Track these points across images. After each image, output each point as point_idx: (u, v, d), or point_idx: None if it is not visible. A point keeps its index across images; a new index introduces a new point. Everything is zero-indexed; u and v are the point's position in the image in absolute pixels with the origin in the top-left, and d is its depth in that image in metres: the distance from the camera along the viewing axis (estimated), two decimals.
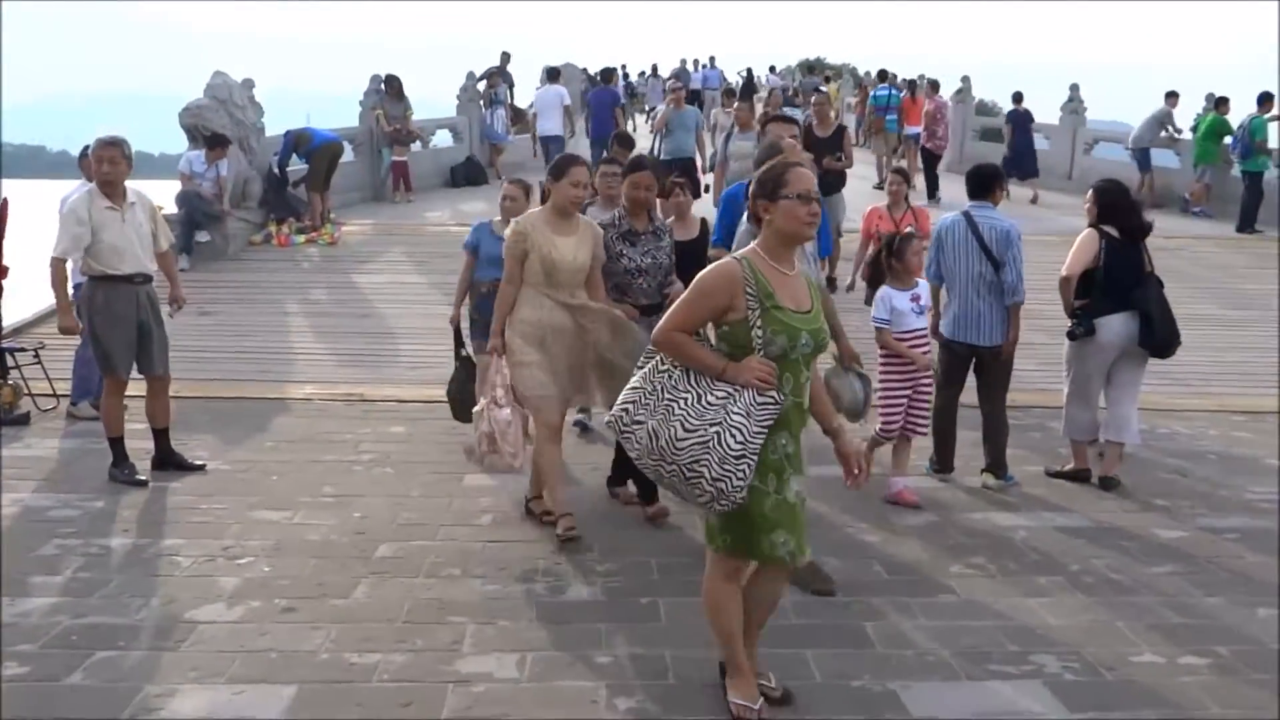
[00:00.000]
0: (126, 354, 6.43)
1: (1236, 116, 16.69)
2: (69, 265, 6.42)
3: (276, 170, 14.32)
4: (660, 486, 3.75)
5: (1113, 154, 20.04)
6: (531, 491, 5.93)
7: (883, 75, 22.94)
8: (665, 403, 3.48)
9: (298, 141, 14.26)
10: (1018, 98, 18.89)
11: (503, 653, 4.24)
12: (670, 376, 3.53)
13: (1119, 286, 6.40)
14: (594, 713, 3.80)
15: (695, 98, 23.22)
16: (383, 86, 17.18)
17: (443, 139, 19.71)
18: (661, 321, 3.59)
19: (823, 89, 23.58)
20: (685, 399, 3.45)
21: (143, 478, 6.47)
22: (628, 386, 3.64)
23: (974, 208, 6.61)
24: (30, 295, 9.96)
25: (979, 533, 5.77)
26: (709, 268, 3.62)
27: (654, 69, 34.32)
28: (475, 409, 5.72)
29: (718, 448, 3.36)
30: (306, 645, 4.28)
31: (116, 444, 6.53)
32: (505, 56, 21.34)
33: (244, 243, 13.52)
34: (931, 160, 17.98)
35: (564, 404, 5.71)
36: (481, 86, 20.24)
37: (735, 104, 15.19)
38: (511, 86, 21.56)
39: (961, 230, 6.49)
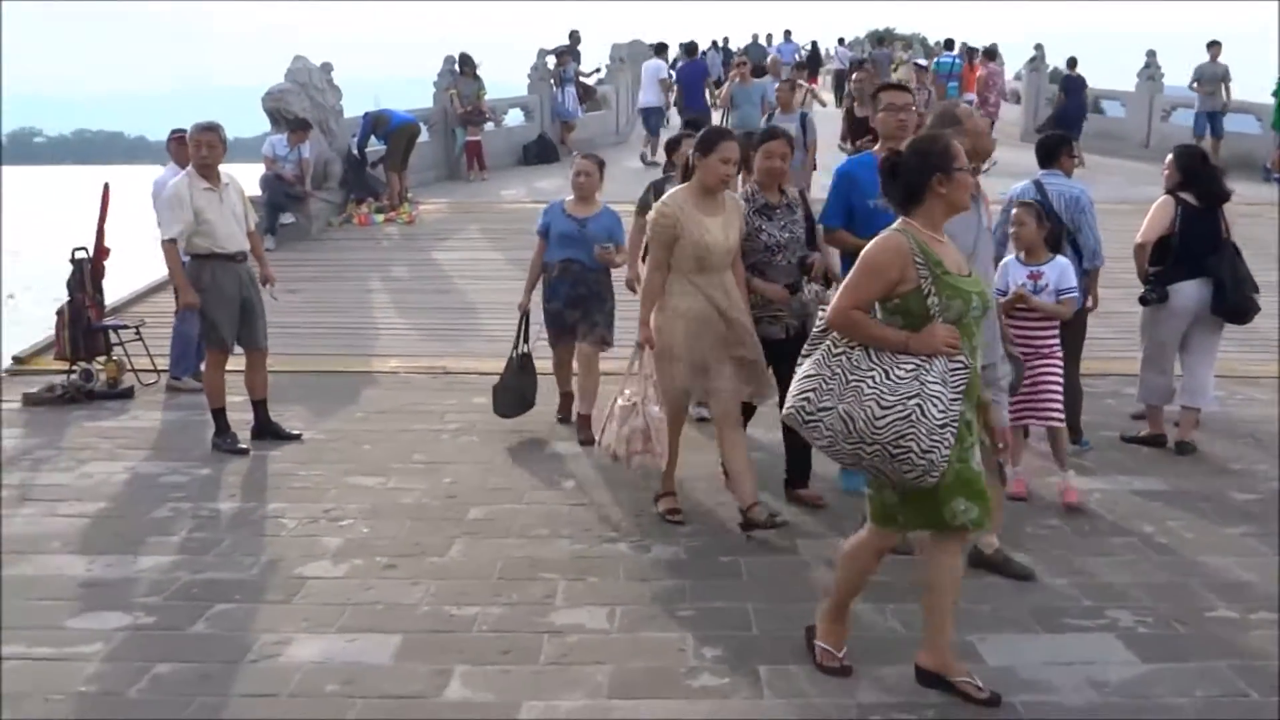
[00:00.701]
0: (232, 328, 6.77)
1: None
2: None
3: (356, 151, 14.69)
4: (856, 470, 3.73)
5: (1191, 121, 19.67)
6: (663, 488, 5.55)
7: (949, 44, 22.89)
8: (852, 384, 3.45)
9: (376, 123, 14.61)
10: (1072, 63, 19.01)
11: (593, 606, 4.47)
12: (848, 358, 3.50)
13: (1193, 253, 6.42)
14: (682, 661, 4.01)
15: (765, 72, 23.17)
16: (456, 67, 17.46)
17: (514, 118, 19.97)
18: (834, 302, 3.58)
19: (900, 57, 23.29)
20: (873, 376, 3.43)
21: (244, 446, 6.80)
22: (800, 376, 3.59)
23: (1044, 175, 6.67)
24: (130, 275, 10.41)
25: (1054, 496, 5.85)
26: (873, 243, 3.60)
27: (724, 41, 34.11)
28: (620, 403, 5.32)
29: (922, 419, 3.34)
30: (408, 599, 4.55)
31: (219, 415, 6.87)
32: (575, 35, 21.56)
33: (325, 223, 13.92)
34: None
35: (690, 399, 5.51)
36: (551, 64, 20.46)
37: (805, 77, 15.29)
38: (580, 64, 21.77)
39: (1031, 198, 6.55)
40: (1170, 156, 6.81)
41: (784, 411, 3.68)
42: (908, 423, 3.34)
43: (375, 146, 14.91)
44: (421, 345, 9.86)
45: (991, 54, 20.17)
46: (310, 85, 14.15)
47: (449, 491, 5.98)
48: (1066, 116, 18.02)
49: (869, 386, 3.42)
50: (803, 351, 3.69)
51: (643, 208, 6.71)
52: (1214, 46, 18.18)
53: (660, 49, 20.04)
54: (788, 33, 28.30)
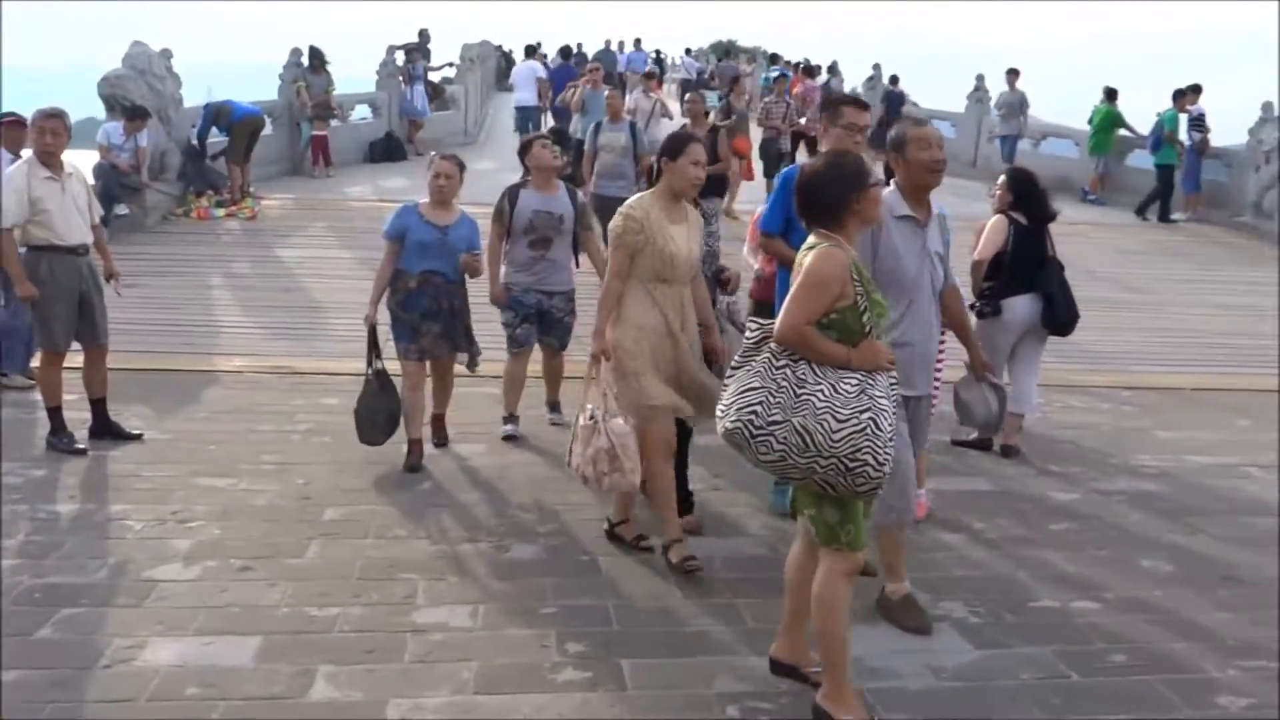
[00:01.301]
0: (68, 325, 6.50)
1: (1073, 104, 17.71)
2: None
3: (195, 142, 14.23)
4: (804, 486, 3.61)
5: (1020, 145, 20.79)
6: (617, 516, 5.27)
7: (774, 58, 24.03)
8: (802, 398, 3.43)
9: (218, 114, 14.20)
10: (894, 80, 20.28)
11: (455, 605, 4.53)
12: (794, 371, 3.48)
13: (1024, 270, 6.86)
14: (546, 657, 4.11)
15: (618, 80, 23.42)
16: (305, 60, 17.09)
17: (361, 114, 19.65)
18: (782, 317, 3.52)
19: (745, 70, 23.95)
20: (821, 391, 3.42)
21: (81, 446, 6.55)
22: (740, 390, 3.55)
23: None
24: None
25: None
26: (819, 257, 3.54)
27: (578, 47, 34.23)
28: (581, 421, 4.92)
29: (878, 432, 3.36)
30: (266, 600, 4.52)
31: (55, 413, 6.60)
32: (424, 34, 21.39)
33: (161, 216, 13.43)
34: (797, 140, 18.30)
35: (674, 416, 5.05)
36: (400, 60, 20.21)
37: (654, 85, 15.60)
38: (429, 62, 21.60)
39: None
40: (1003, 178, 7.25)
41: (727, 425, 3.57)
42: (863, 436, 3.36)
43: (217, 138, 14.47)
44: (266, 344, 9.64)
45: (810, 71, 21.46)
46: (149, 72, 13.64)
47: (303, 493, 5.91)
48: (886, 132, 18.87)
49: (819, 400, 3.41)
50: (733, 364, 3.67)
51: (499, 214, 6.76)
52: (1012, 74, 19.58)
53: (531, 50, 21.09)
54: (638, 41, 28.50)
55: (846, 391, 3.41)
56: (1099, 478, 6.70)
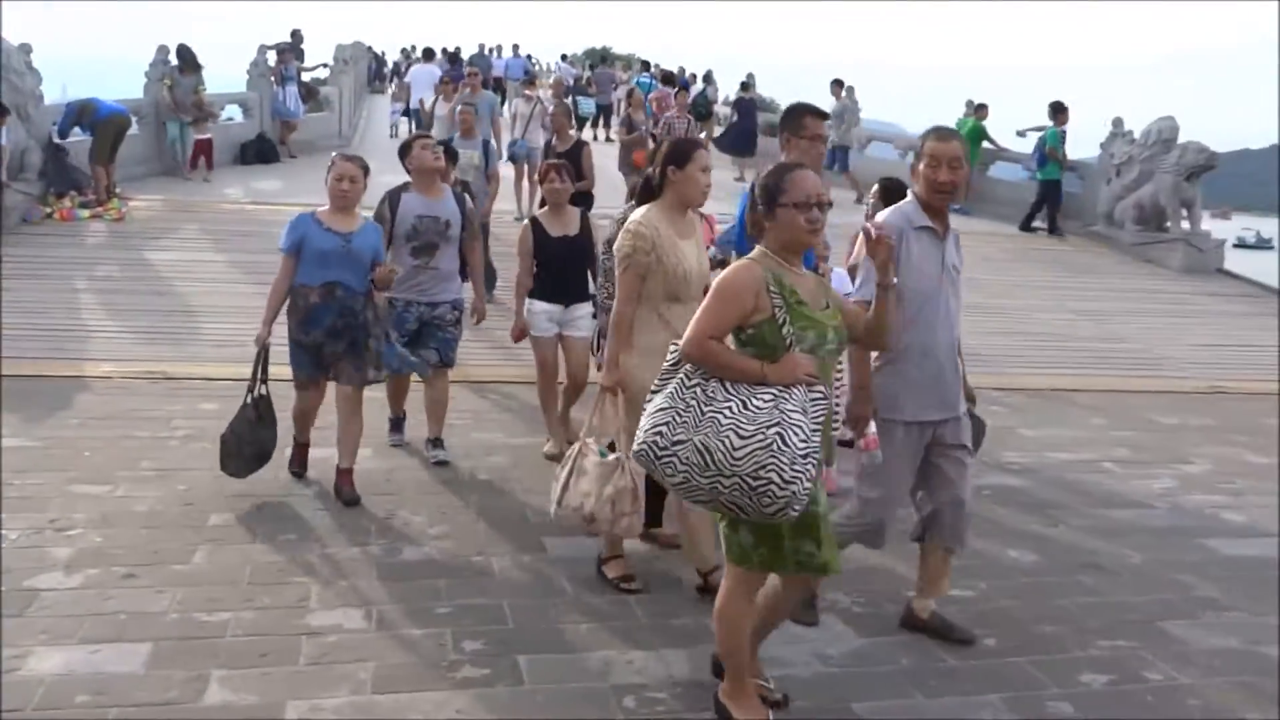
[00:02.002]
0: None
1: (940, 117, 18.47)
2: None
3: (58, 139, 13.71)
4: (712, 509, 3.51)
5: (884, 153, 21.49)
6: (608, 551, 4.93)
7: (646, 65, 24.54)
8: (708, 416, 3.30)
9: (81, 112, 13.70)
10: (745, 86, 21.01)
11: (349, 607, 4.53)
12: (704, 389, 3.37)
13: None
14: (442, 655, 4.15)
15: (496, 85, 23.38)
16: (171, 58, 16.60)
17: (230, 114, 19.17)
18: (688, 332, 3.43)
19: (621, 77, 24.14)
20: (730, 407, 3.29)
21: None
22: (651, 410, 3.44)
23: None
24: None
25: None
26: (727, 270, 3.53)
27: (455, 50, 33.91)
28: (591, 459, 4.61)
29: (784, 448, 3.20)
30: (154, 607, 4.45)
31: None
32: (297, 35, 21.03)
33: (20, 217, 12.88)
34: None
35: None
36: (271, 60, 19.80)
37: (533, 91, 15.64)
38: (303, 62, 21.24)
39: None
40: (876, 186, 7.53)
41: (634, 449, 3.49)
42: (768, 452, 3.19)
43: (79, 138, 13.96)
44: (138, 349, 9.37)
45: (668, 79, 22.20)
46: (7, 67, 13.08)
47: (184, 499, 5.81)
48: (740, 136, 19.71)
49: (726, 417, 3.28)
50: (651, 387, 3.53)
51: (379, 220, 6.39)
52: (837, 85, 20.34)
53: (429, 54, 22.60)
54: (515, 47, 27.93)
55: (758, 407, 3.26)
56: None
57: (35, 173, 13.36)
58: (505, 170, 13.47)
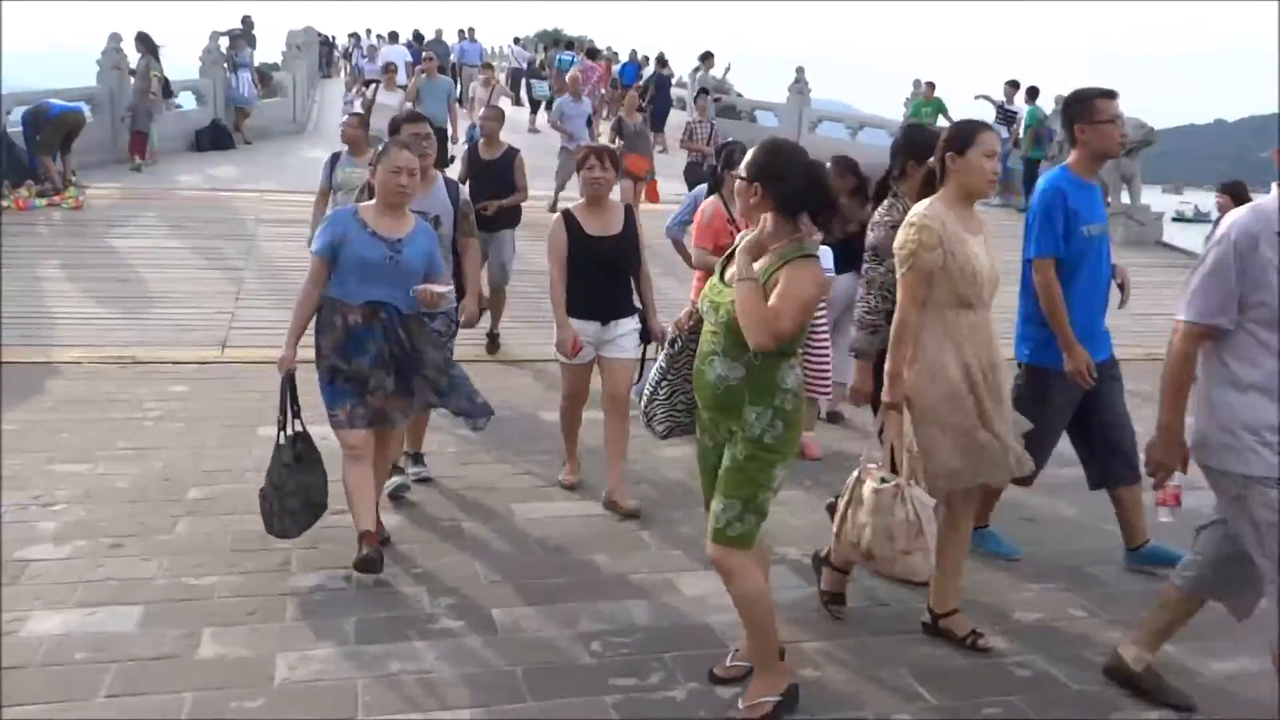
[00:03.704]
0: None
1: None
2: None
3: (23, 148, 13.71)
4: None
5: (834, 133, 21.88)
6: (943, 605, 4.36)
7: (570, 45, 25.27)
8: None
9: (35, 120, 13.68)
10: (661, 61, 21.94)
11: (330, 570, 4.78)
12: None
13: (850, 250, 7.44)
14: (420, 610, 4.44)
15: (452, 72, 23.44)
16: (121, 45, 16.58)
17: (185, 102, 19.18)
18: None
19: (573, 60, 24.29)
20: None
21: None
22: None
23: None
24: None
25: None
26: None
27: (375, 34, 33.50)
28: (869, 486, 4.06)
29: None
30: (142, 573, 4.68)
31: None
32: (248, 21, 21.01)
33: None
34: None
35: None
36: (224, 47, 19.79)
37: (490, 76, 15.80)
38: (254, 49, 21.22)
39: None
40: (829, 165, 7.82)
41: None
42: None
43: (16, 128, 13.98)
44: (105, 335, 9.52)
45: (593, 54, 23.28)
46: None
47: (163, 474, 6.02)
48: (657, 111, 20.83)
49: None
50: None
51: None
52: (706, 59, 21.59)
53: (395, 36, 23.95)
54: (471, 31, 26.97)
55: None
56: None
57: None
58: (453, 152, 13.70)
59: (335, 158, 8.49)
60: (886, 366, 4.10)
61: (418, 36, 24.17)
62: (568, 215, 5.66)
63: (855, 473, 4.21)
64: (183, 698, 3.68)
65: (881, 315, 4.72)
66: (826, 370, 6.88)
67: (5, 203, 13.15)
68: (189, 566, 4.76)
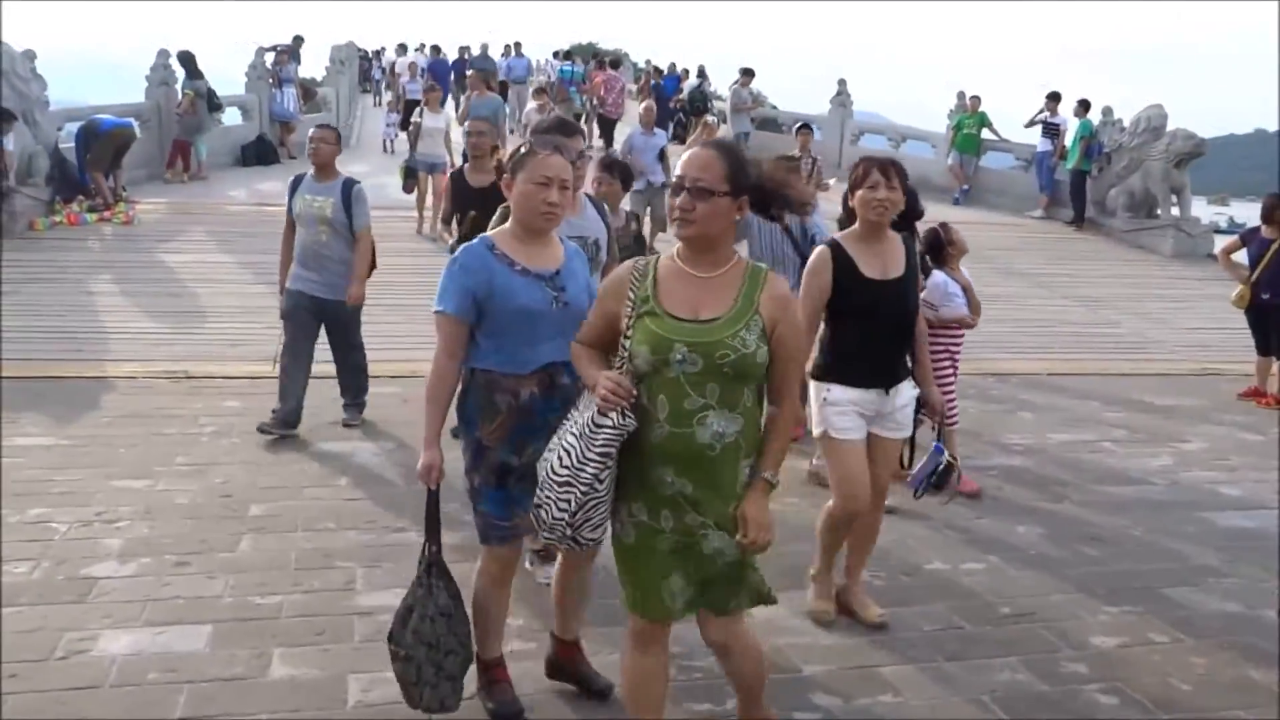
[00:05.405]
0: None
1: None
2: None
3: (75, 163, 13.91)
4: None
5: (878, 144, 21.76)
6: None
7: (569, 55, 25.99)
8: (567, 420, 3.12)
9: (87, 137, 13.88)
10: (701, 73, 23.91)
11: (396, 589, 4.67)
12: (585, 396, 3.11)
13: None
14: None
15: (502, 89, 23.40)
16: (171, 62, 16.77)
17: (231, 117, 19.36)
18: None
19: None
20: (572, 417, 3.09)
21: None
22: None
23: None
24: None
25: (790, 476, 6.57)
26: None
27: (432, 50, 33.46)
28: None
29: (546, 469, 3.04)
30: (209, 592, 4.66)
31: None
32: (299, 39, 21.31)
33: (28, 222, 13.04)
34: (607, 124, 21.08)
35: None
36: (269, 62, 19.96)
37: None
38: (300, 64, 21.44)
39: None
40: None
41: None
42: (541, 467, 3.08)
43: (67, 143, 14.19)
44: (157, 350, 9.58)
45: (615, 64, 23.53)
46: (12, 73, 13.26)
47: (223, 491, 6.02)
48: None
49: (562, 427, 3.10)
50: None
51: None
52: (747, 74, 21.39)
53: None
54: (517, 46, 26.03)
55: (574, 421, 3.05)
56: (974, 456, 7.24)
57: (43, 178, 13.53)
58: None
59: (296, 182, 7.27)
60: None
61: (435, 49, 24.47)
62: (836, 248, 4.38)
63: None
64: None
65: None
66: (954, 398, 6.50)
67: (58, 218, 13.32)
68: (254, 585, 4.74)
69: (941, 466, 4.58)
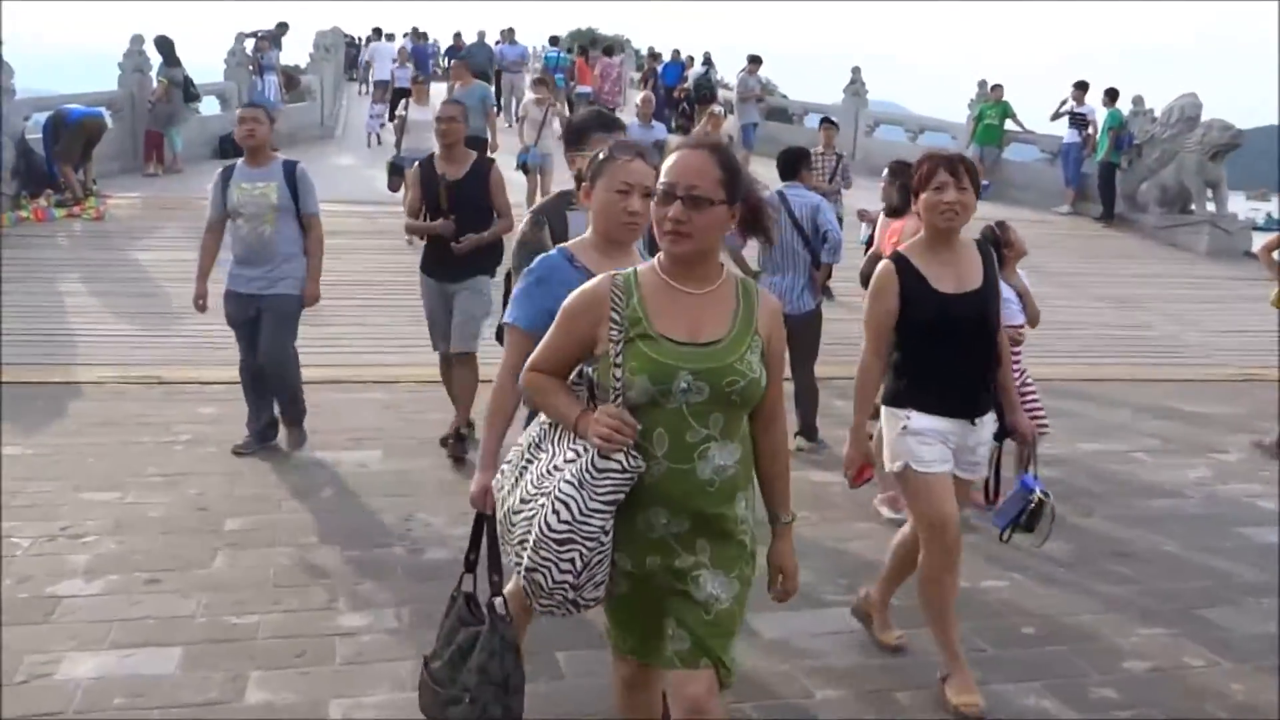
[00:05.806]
0: None
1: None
2: None
3: (42, 154, 13.90)
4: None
5: (893, 135, 21.76)
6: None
7: (554, 40, 26.29)
8: (523, 465, 2.84)
9: (56, 127, 13.87)
10: (707, 61, 24.80)
11: (379, 608, 4.73)
12: (539, 430, 2.87)
13: None
14: None
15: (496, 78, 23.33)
16: (145, 49, 16.77)
17: (209, 106, 19.35)
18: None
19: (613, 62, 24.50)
20: (540, 460, 2.80)
21: None
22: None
23: (786, 188, 7.47)
24: None
25: (797, 489, 6.55)
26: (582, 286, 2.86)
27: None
28: None
29: (539, 526, 2.65)
30: (182, 611, 4.64)
31: None
32: (283, 25, 21.39)
33: None
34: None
35: None
36: (249, 49, 19.96)
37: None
38: (281, 51, 21.47)
39: (776, 207, 7.31)
40: (886, 171, 7.72)
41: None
42: (533, 528, 2.68)
43: (36, 135, 14.19)
44: (131, 353, 9.58)
45: (609, 50, 24.45)
46: None
47: (197, 503, 6.00)
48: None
49: (530, 471, 2.81)
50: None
51: (537, 250, 3.79)
52: (754, 62, 21.35)
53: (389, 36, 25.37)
54: (510, 32, 25.34)
55: (556, 467, 2.73)
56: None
57: (8, 171, 13.50)
58: (518, 179, 13.33)
59: (227, 173, 6.89)
60: None
61: (419, 34, 24.90)
62: (901, 262, 4.08)
63: None
64: None
65: None
66: (1039, 404, 6.51)
67: (24, 213, 13.31)
68: (230, 604, 4.72)
69: (1033, 505, 4.26)
